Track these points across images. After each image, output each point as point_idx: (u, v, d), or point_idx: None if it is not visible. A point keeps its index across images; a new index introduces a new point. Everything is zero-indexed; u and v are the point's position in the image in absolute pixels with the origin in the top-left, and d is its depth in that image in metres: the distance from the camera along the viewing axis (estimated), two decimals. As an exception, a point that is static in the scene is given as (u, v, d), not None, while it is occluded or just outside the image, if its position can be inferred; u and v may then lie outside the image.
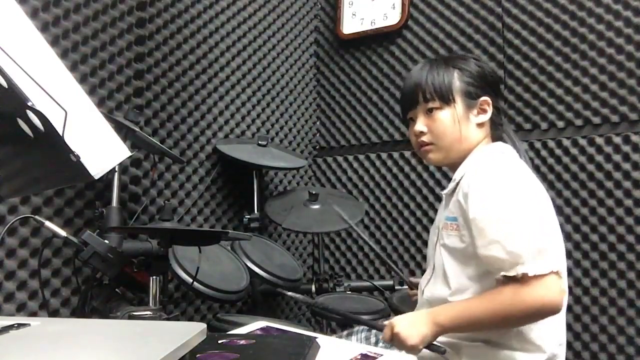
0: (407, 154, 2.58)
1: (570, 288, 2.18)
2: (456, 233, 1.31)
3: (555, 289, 1.17)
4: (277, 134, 2.60)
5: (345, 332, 1.55)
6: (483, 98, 1.37)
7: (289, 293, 1.52)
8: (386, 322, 1.29)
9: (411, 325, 1.24)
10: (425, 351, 1.26)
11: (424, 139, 1.38)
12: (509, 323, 1.23)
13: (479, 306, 1.23)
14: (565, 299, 1.24)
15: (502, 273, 1.18)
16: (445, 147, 1.37)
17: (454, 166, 1.39)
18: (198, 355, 0.65)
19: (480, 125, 1.38)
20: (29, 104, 0.67)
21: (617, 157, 2.13)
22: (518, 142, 1.42)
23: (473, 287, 1.27)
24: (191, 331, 0.67)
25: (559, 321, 1.30)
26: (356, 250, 2.68)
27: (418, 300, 1.45)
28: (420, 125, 1.38)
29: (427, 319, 1.24)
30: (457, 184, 1.34)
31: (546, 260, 1.17)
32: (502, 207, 1.22)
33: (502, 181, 1.27)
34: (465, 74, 1.37)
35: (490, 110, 1.38)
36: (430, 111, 1.37)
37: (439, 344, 1.25)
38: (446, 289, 1.31)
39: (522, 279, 1.16)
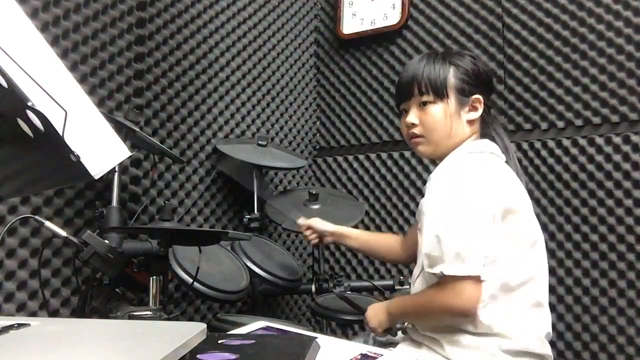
0: (407, 154, 2.58)
1: (570, 288, 2.19)
2: None
3: (469, 293, 1.22)
4: (277, 134, 2.60)
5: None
6: (475, 96, 1.41)
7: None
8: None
9: (373, 311, 1.46)
10: (424, 339, 1.35)
11: (415, 131, 1.42)
12: (431, 318, 1.33)
13: (414, 300, 1.39)
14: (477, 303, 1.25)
15: (427, 269, 1.27)
16: (435, 141, 1.41)
17: (441, 159, 1.43)
18: (198, 355, 0.64)
19: (470, 122, 1.41)
20: (29, 104, 0.67)
21: (617, 157, 2.13)
22: (507, 141, 1.44)
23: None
24: (191, 331, 0.67)
25: (539, 315, 1.31)
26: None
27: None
28: (413, 117, 1.42)
29: (383, 308, 1.44)
30: None
31: (466, 264, 1.21)
32: (443, 208, 1.28)
33: (457, 180, 1.30)
34: (461, 71, 1.40)
35: (481, 108, 1.41)
36: (423, 104, 1.41)
37: (394, 328, 1.44)
38: (423, 282, 1.38)
39: (443, 280, 1.24)
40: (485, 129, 1.44)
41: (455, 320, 1.27)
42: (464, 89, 1.39)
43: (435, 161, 1.47)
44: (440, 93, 1.38)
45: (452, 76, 1.39)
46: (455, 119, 1.39)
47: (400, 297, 1.50)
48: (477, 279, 1.21)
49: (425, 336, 1.34)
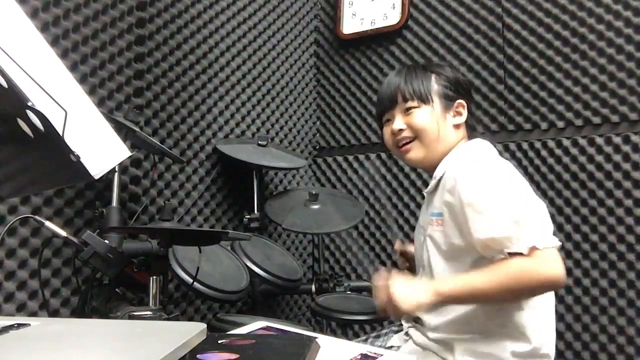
0: (407, 154, 2.58)
1: (570, 288, 2.19)
2: (440, 228, 1.33)
3: (559, 261, 1.19)
4: (277, 134, 2.60)
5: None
6: (459, 101, 1.42)
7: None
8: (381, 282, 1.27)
9: (410, 288, 1.23)
10: (430, 343, 1.30)
11: (405, 134, 1.41)
12: (514, 295, 1.23)
13: (483, 278, 1.21)
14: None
15: (507, 250, 1.18)
16: (425, 144, 1.40)
17: (432, 167, 1.42)
18: (198, 356, 0.64)
19: (456, 127, 1.42)
20: (29, 103, 0.67)
21: (617, 157, 2.13)
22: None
23: None
24: (191, 331, 0.67)
25: (546, 310, 1.32)
26: (356, 250, 2.68)
27: None
28: (399, 123, 1.42)
29: (427, 286, 1.23)
30: (439, 181, 1.37)
31: (551, 235, 1.21)
32: (499, 187, 1.25)
33: (489, 166, 1.31)
34: (442, 78, 1.43)
35: (465, 113, 1.43)
36: (408, 110, 1.41)
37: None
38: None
39: (529, 253, 1.16)
40: (472, 133, 1.46)
41: (542, 291, 1.24)
42: (447, 94, 1.41)
43: (425, 170, 1.46)
44: (424, 97, 1.39)
45: (434, 82, 1.42)
46: (442, 123, 1.40)
47: (447, 277, 1.29)
48: (558, 250, 1.20)
49: (433, 341, 1.32)
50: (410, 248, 1.68)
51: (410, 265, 1.70)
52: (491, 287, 1.20)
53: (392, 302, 1.21)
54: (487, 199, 1.23)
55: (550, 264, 1.17)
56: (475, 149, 1.40)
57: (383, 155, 2.66)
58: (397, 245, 1.75)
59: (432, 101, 1.40)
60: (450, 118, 1.41)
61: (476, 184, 1.26)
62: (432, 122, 1.39)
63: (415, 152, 1.41)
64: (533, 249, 1.16)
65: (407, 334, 1.41)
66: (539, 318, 1.29)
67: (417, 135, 1.40)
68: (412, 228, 2.54)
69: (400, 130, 1.41)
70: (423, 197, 2.50)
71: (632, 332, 2.08)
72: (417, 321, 1.34)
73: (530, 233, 1.18)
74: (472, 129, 1.46)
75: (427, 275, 1.37)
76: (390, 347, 1.43)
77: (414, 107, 1.40)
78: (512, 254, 1.18)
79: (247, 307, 2.26)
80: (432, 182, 1.41)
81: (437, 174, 1.39)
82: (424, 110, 1.39)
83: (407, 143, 1.42)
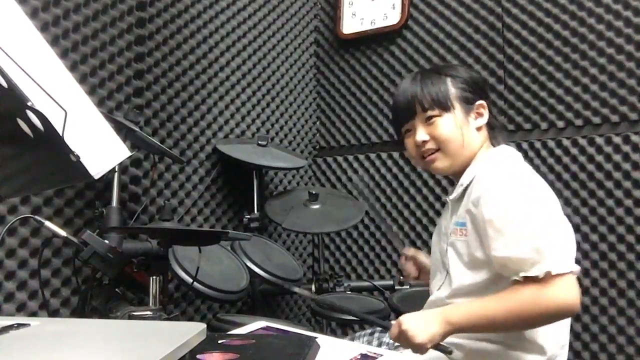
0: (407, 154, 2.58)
1: (570, 288, 2.19)
2: (464, 238, 1.30)
3: (575, 289, 1.16)
4: (277, 134, 2.60)
5: (347, 337, 1.55)
6: (479, 102, 1.38)
7: (296, 289, 1.52)
8: (394, 321, 1.26)
9: (420, 322, 1.21)
10: (430, 352, 1.25)
11: (429, 146, 1.36)
12: (526, 323, 1.21)
13: (495, 305, 1.19)
14: None
15: (522, 274, 1.15)
16: (451, 153, 1.35)
17: (458, 173, 1.38)
18: (198, 356, 0.65)
19: (479, 129, 1.38)
20: (29, 103, 0.67)
21: (617, 157, 2.13)
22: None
23: (475, 293, 1.26)
24: (191, 331, 0.67)
25: (562, 323, 1.29)
26: (356, 250, 2.68)
27: (426, 303, 1.44)
28: (422, 134, 1.37)
29: (438, 317, 1.21)
30: (465, 189, 1.33)
31: (567, 260, 1.18)
32: (522, 207, 1.21)
33: (517, 182, 1.26)
34: (459, 80, 1.38)
35: (486, 113, 1.39)
36: (429, 119, 1.36)
37: (446, 345, 1.22)
38: (448, 290, 1.31)
39: (543, 279, 1.14)
40: (494, 133, 1.42)
41: (556, 319, 1.21)
42: (467, 97, 1.37)
43: (449, 177, 1.43)
44: (444, 105, 1.34)
45: (451, 86, 1.37)
46: (465, 128, 1.35)
47: (458, 304, 1.26)
48: (574, 275, 1.18)
49: None
50: (423, 257, 1.64)
51: (419, 276, 1.66)
52: (502, 313, 1.18)
53: (405, 337, 1.20)
54: (510, 220, 1.19)
55: (564, 290, 1.14)
56: (505, 158, 1.35)
57: (383, 155, 2.66)
58: (411, 251, 1.69)
59: (454, 107, 1.35)
60: (473, 121, 1.37)
61: (501, 201, 1.22)
62: (456, 130, 1.34)
63: (442, 162, 1.37)
64: (548, 274, 1.13)
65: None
66: (554, 330, 1.26)
67: (441, 146, 1.35)
68: (413, 228, 2.54)
69: (424, 142, 1.36)
70: (424, 197, 2.52)
71: (632, 332, 2.07)
72: (441, 350, 1.25)
73: (547, 258, 1.14)
74: (493, 129, 1.41)
75: (446, 282, 1.34)
76: (398, 347, 1.41)
77: (436, 116, 1.35)
78: (527, 278, 1.15)
79: (247, 307, 2.26)
80: (458, 190, 1.36)
81: (464, 181, 1.35)
82: (446, 118, 1.35)
83: (432, 153, 1.37)
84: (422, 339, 1.18)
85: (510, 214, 1.20)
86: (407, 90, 1.39)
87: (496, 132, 1.42)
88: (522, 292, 1.16)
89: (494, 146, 1.41)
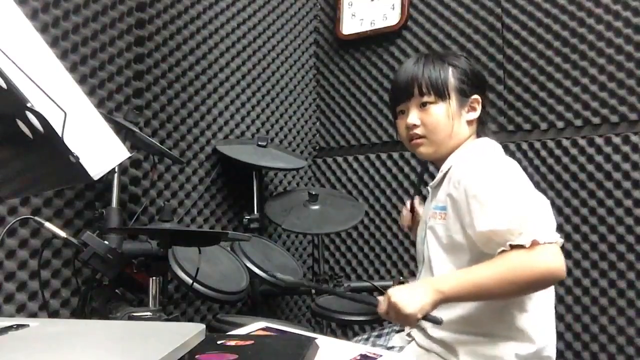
0: (407, 154, 2.58)
1: (570, 288, 2.19)
2: (442, 222, 1.33)
3: (561, 256, 1.19)
4: (277, 134, 2.60)
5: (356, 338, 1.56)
6: (474, 96, 1.42)
7: (278, 275, 1.57)
8: (381, 297, 1.27)
9: (409, 293, 1.21)
10: (433, 345, 1.29)
11: (417, 131, 1.41)
12: (517, 288, 1.21)
13: (484, 272, 1.20)
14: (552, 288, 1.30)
15: (509, 242, 1.17)
16: (437, 142, 1.40)
17: (441, 160, 1.42)
18: (197, 356, 0.65)
19: (469, 122, 1.42)
20: (28, 105, 0.67)
21: (616, 158, 2.13)
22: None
23: None
24: (190, 331, 0.67)
25: (548, 312, 1.32)
26: (356, 251, 2.68)
27: None
28: (414, 118, 1.41)
29: (427, 287, 1.21)
30: (444, 175, 1.38)
31: (553, 230, 1.21)
32: (504, 182, 1.26)
33: (496, 162, 1.33)
34: (459, 71, 1.41)
35: (479, 108, 1.43)
36: (424, 105, 1.40)
37: (435, 315, 1.22)
38: (430, 276, 1.34)
39: (530, 247, 1.16)
40: (482, 128, 1.46)
41: (543, 284, 1.23)
42: (464, 90, 1.40)
43: (433, 162, 1.48)
44: (441, 93, 1.38)
45: (451, 76, 1.40)
46: (457, 119, 1.39)
47: (447, 273, 1.28)
48: (557, 245, 1.20)
49: (437, 342, 1.32)
50: (421, 209, 1.69)
51: (412, 225, 1.71)
52: (492, 280, 1.19)
53: (395, 309, 1.20)
54: (493, 192, 1.24)
55: (551, 257, 1.18)
56: (484, 147, 1.41)
57: (383, 155, 2.66)
58: (416, 202, 1.73)
59: (449, 97, 1.38)
60: (465, 114, 1.41)
61: (482, 177, 1.27)
62: (447, 120, 1.38)
63: (426, 148, 1.42)
64: (534, 242, 1.16)
65: (409, 335, 1.40)
66: (542, 319, 1.29)
67: (429, 134, 1.40)
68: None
69: (415, 125, 1.40)
70: (424, 197, 2.52)
71: (632, 332, 2.07)
72: (431, 320, 1.25)
73: (533, 227, 1.18)
74: (482, 124, 1.46)
75: (426, 270, 1.37)
76: (392, 348, 1.42)
77: (431, 103, 1.39)
78: (513, 247, 1.18)
79: (247, 307, 2.26)
80: (438, 176, 1.42)
81: (444, 167, 1.40)
82: (440, 107, 1.39)
83: (418, 138, 1.42)
84: (412, 309, 1.18)
85: (495, 188, 1.25)
86: (408, 71, 1.43)
87: (485, 127, 1.47)
88: (511, 258, 1.18)
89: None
